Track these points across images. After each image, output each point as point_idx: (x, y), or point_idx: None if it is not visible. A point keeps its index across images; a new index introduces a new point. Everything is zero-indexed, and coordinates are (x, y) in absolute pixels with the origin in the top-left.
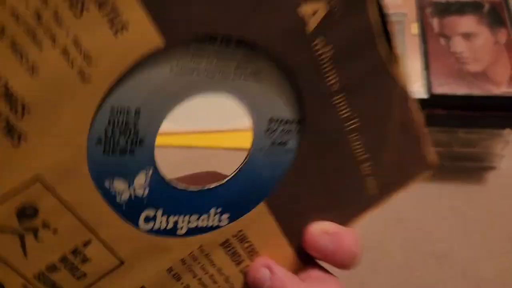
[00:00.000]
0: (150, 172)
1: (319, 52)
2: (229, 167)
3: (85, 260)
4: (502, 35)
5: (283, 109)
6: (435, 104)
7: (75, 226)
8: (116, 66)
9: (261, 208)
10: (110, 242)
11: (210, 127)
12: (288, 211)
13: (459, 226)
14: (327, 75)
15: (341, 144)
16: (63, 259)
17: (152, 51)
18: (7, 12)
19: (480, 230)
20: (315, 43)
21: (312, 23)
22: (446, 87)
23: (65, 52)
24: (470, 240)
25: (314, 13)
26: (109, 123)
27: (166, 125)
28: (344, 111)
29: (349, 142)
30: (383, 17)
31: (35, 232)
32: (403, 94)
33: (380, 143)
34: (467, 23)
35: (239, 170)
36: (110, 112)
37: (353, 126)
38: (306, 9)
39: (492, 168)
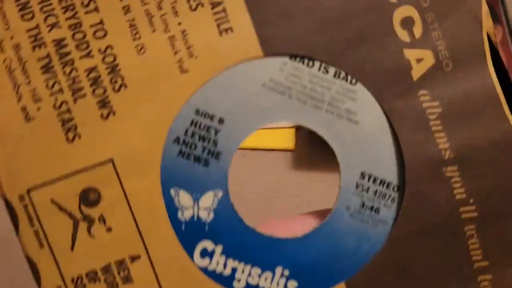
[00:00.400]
0: (220, 194)
1: (425, 105)
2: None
3: (127, 279)
4: (497, 33)
5: (380, 164)
6: None
7: (129, 230)
8: (213, 65)
9: None
10: (159, 265)
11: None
12: None
13: None
14: (436, 135)
15: (453, 235)
16: (106, 269)
17: (250, 59)
18: None
19: None
20: (420, 94)
21: (417, 72)
22: None
23: (172, 39)
24: None
25: (420, 60)
26: (191, 123)
27: None
28: (458, 190)
29: (464, 235)
30: (506, 79)
31: (90, 224)
32: None
33: (505, 249)
34: None
35: (319, 228)
36: (195, 113)
37: (469, 215)
38: (411, 54)
39: None
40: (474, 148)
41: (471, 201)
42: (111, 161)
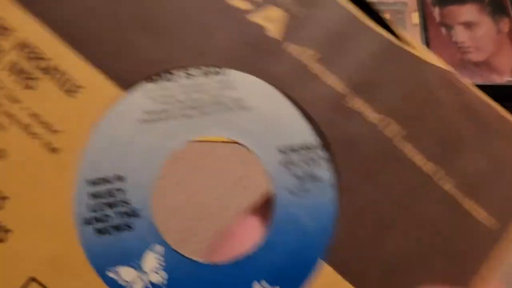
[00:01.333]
0: (160, 249)
1: (299, 57)
2: (226, 161)
3: None
4: (505, 24)
5: (292, 132)
6: None
7: None
8: (81, 129)
9: (326, 273)
10: None
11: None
12: (369, 268)
13: None
14: (322, 77)
15: (393, 157)
16: None
17: (112, 103)
18: None
19: None
20: (289, 50)
21: (275, 31)
22: None
23: (26, 128)
24: None
25: (271, 20)
26: (91, 197)
27: None
28: (372, 115)
29: (400, 151)
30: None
31: None
32: (442, 73)
33: (444, 142)
34: (468, 12)
35: (274, 224)
36: (88, 185)
37: (394, 130)
38: (258, 18)
39: None
40: (362, 69)
41: (389, 117)
42: (34, 280)
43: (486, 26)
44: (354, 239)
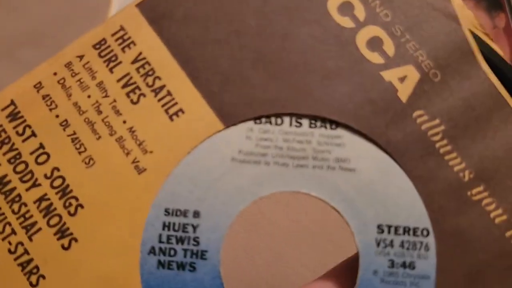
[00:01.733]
0: None
1: (424, 127)
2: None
3: None
4: (501, 20)
5: (396, 210)
6: None
7: None
8: (172, 154)
9: None
10: None
11: None
12: None
13: None
14: (447, 158)
15: (510, 269)
16: None
17: (210, 135)
18: (71, 105)
19: None
20: (415, 116)
21: (404, 92)
22: None
23: (120, 140)
24: None
25: (403, 79)
26: (163, 227)
27: None
28: (494, 213)
29: None
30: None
31: None
32: None
33: None
34: None
35: None
36: (165, 214)
37: None
38: (391, 75)
39: None
40: (494, 159)
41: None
42: None
43: (482, 21)
44: None
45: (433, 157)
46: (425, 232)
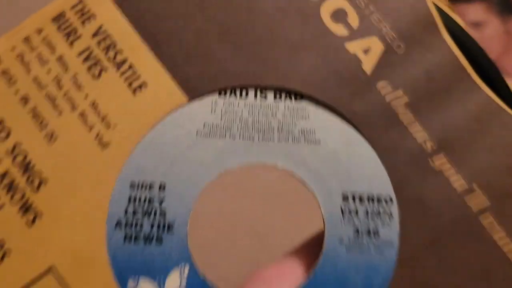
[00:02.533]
0: (186, 270)
1: (388, 98)
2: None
3: None
4: None
5: (360, 178)
6: None
7: None
8: (135, 128)
9: None
10: None
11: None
12: None
13: None
14: (410, 128)
15: (472, 233)
16: None
17: (174, 109)
18: (31, 80)
19: None
20: (379, 87)
21: (368, 64)
22: None
23: (83, 115)
24: None
25: (367, 51)
26: (129, 200)
27: None
28: (455, 180)
29: (484, 229)
30: (472, 46)
31: None
32: None
33: None
34: (475, 11)
35: (314, 274)
36: (130, 187)
37: (481, 204)
38: (355, 47)
39: None
40: (456, 130)
41: (475, 186)
42: (52, 268)
43: (493, 26)
44: None
45: (396, 128)
46: (389, 201)
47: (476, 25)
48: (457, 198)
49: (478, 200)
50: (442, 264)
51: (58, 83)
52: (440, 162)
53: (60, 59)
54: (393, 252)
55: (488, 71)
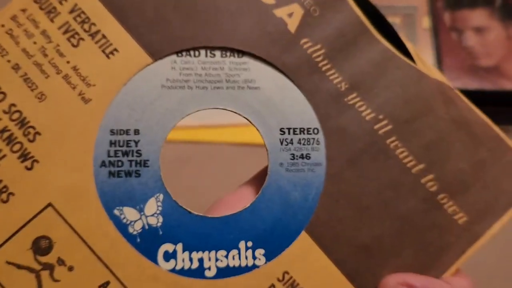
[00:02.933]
0: (161, 197)
1: (309, 51)
2: (233, 162)
3: None
4: None
5: (293, 115)
6: None
7: (90, 262)
8: (111, 86)
9: (306, 242)
10: (130, 283)
11: (213, 121)
12: (343, 244)
13: None
14: (328, 74)
15: (380, 153)
16: None
17: (142, 68)
18: (20, 51)
19: None
20: (302, 43)
21: (292, 25)
22: (458, 82)
23: (66, 78)
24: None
25: (291, 15)
26: (110, 144)
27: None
28: (365, 112)
29: (389, 148)
30: (372, 10)
31: (51, 270)
32: (439, 85)
33: (433, 147)
34: (478, 17)
35: (262, 192)
36: (110, 133)
37: (385, 129)
38: (281, 12)
39: None
40: (362, 73)
41: (381, 116)
42: (50, 205)
43: (496, 31)
44: (334, 217)
45: (317, 74)
46: (315, 131)
47: (479, 30)
48: (368, 126)
49: (383, 126)
50: (359, 178)
51: (43, 52)
52: (353, 99)
53: (43, 32)
54: (322, 170)
55: (384, 27)
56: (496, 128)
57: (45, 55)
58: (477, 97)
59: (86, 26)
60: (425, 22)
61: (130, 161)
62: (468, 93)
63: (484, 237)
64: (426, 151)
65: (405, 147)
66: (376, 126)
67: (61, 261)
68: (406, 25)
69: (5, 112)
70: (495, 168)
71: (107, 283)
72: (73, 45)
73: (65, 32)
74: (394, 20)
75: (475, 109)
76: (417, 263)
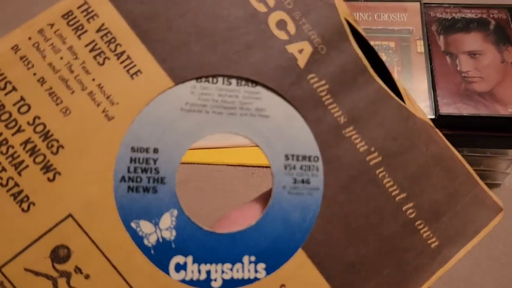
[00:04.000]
0: (175, 213)
1: (315, 86)
2: (233, 183)
3: None
4: (509, 54)
5: (297, 144)
6: (441, 125)
7: (107, 271)
8: (134, 105)
9: (301, 258)
10: None
11: (214, 143)
12: (333, 261)
13: None
14: (329, 107)
15: (369, 181)
16: None
17: (163, 91)
18: (46, 65)
19: (485, 249)
20: (309, 78)
21: (302, 61)
22: (453, 107)
23: (91, 94)
24: (472, 258)
25: (301, 51)
26: (130, 161)
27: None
28: (359, 145)
29: (378, 178)
30: (370, 50)
31: (68, 277)
32: (422, 124)
33: (414, 179)
34: (473, 41)
35: (266, 212)
36: (131, 151)
37: (375, 161)
38: (292, 48)
39: (496, 185)
40: (359, 108)
41: (372, 149)
42: (70, 215)
43: (490, 55)
44: (327, 237)
45: (320, 107)
46: (316, 159)
47: (474, 54)
48: (361, 156)
49: (374, 158)
50: (351, 202)
51: (70, 68)
52: (350, 131)
53: (70, 48)
54: (319, 194)
55: (380, 68)
56: (467, 165)
57: (71, 71)
58: (472, 122)
59: (112, 46)
60: (420, 46)
61: (149, 177)
62: (463, 119)
63: (452, 261)
64: (408, 182)
65: (391, 177)
66: (368, 158)
67: (78, 270)
68: (400, 49)
69: (29, 123)
70: (465, 200)
71: None
72: (99, 63)
73: (92, 50)
74: (388, 44)
75: (451, 147)
76: (394, 281)
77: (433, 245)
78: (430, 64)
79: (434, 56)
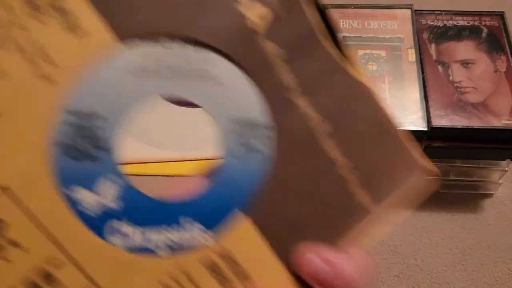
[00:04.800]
0: (116, 179)
1: (270, 52)
2: None
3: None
4: (502, 63)
5: (247, 110)
6: (434, 136)
7: (43, 240)
8: (74, 66)
9: (245, 223)
10: (83, 262)
11: (176, 155)
12: (275, 225)
13: (455, 255)
14: (282, 75)
15: (315, 147)
16: (34, 285)
17: (107, 51)
18: None
19: (477, 258)
20: (263, 43)
21: (258, 26)
22: (446, 119)
23: (29, 54)
24: (467, 269)
25: (258, 16)
26: (69, 126)
27: (131, 154)
28: (309, 112)
29: (323, 144)
30: (324, 17)
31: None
32: (366, 92)
33: (357, 145)
34: (465, 49)
35: (213, 175)
36: (69, 115)
37: (323, 127)
38: (249, 12)
39: (488, 195)
40: (309, 76)
41: (319, 116)
42: (7, 188)
43: (483, 64)
44: (272, 200)
45: (272, 72)
46: (265, 124)
47: (467, 63)
48: (310, 122)
49: (319, 124)
50: (294, 165)
51: (5, 25)
52: (299, 98)
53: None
54: (267, 159)
55: (335, 35)
56: (400, 132)
57: (7, 29)
58: (465, 134)
59: (54, 2)
60: (411, 55)
61: (89, 144)
62: (456, 130)
63: (384, 222)
64: (347, 146)
65: (332, 142)
66: (314, 124)
67: (13, 243)
68: (391, 58)
69: None
70: (395, 162)
71: (62, 263)
72: (41, 22)
73: (32, 6)
74: (379, 53)
75: (390, 113)
76: (326, 236)
77: (364, 205)
78: (422, 73)
79: (426, 65)
